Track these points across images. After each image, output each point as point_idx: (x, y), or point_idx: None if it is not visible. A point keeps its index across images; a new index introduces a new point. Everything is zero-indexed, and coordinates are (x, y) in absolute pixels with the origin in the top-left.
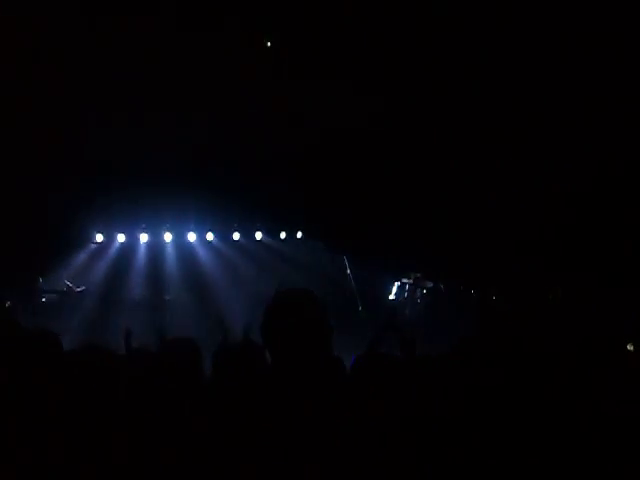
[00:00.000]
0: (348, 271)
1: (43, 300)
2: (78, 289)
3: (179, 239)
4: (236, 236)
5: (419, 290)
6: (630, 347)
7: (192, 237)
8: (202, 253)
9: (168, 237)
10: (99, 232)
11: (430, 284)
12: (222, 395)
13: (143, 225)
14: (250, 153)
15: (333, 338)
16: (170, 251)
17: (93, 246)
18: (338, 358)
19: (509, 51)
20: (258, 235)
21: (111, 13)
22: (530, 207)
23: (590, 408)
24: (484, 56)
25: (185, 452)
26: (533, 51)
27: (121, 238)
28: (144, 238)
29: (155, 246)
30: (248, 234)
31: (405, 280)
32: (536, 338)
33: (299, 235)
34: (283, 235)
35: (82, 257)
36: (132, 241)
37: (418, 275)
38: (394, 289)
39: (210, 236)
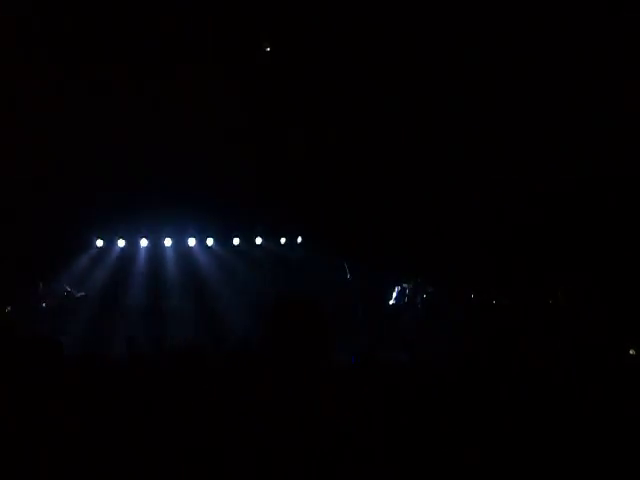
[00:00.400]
0: (348, 276)
1: (43, 305)
2: (78, 294)
3: (179, 244)
4: (236, 241)
5: (419, 294)
6: (632, 352)
7: (192, 242)
8: (202, 258)
9: (168, 242)
10: (99, 237)
11: (430, 288)
12: (223, 397)
13: (143, 230)
14: (250, 157)
15: (334, 341)
16: (170, 256)
17: (93, 251)
18: (338, 360)
19: (493, 51)
20: (258, 240)
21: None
22: (530, 208)
23: (591, 410)
24: (470, 56)
25: (188, 454)
26: (516, 50)
27: (121, 243)
28: (144, 243)
29: (155, 251)
30: (248, 239)
31: (405, 284)
32: (537, 341)
33: (299, 240)
34: (283, 240)
35: (82, 262)
36: (132, 246)
37: (418, 279)
38: (394, 293)
39: (210, 241)
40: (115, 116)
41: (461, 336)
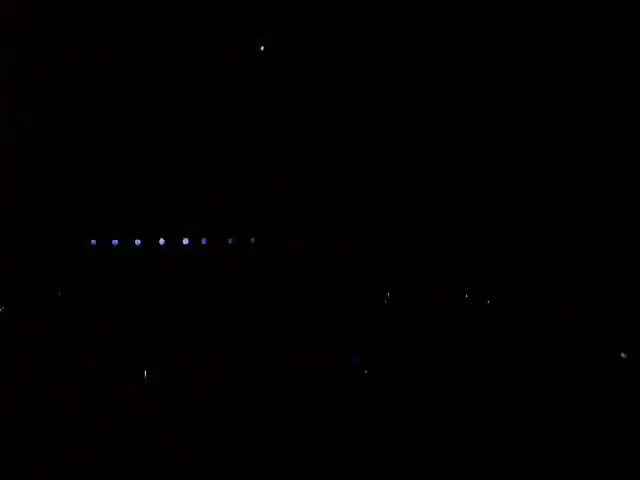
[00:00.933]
0: (344, 271)
1: (36, 304)
2: (72, 294)
3: (172, 244)
4: (229, 241)
5: (414, 291)
6: (624, 355)
7: (185, 242)
8: (196, 258)
9: (161, 242)
10: (92, 238)
11: (424, 286)
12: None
13: (137, 230)
14: (245, 154)
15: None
16: (163, 256)
17: (87, 251)
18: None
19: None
20: (252, 240)
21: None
22: (526, 206)
23: (583, 408)
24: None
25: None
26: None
27: (115, 243)
28: (138, 243)
29: (149, 251)
30: (242, 239)
31: (400, 281)
32: (530, 339)
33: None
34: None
35: (75, 263)
36: (127, 246)
37: (414, 277)
38: (387, 290)
39: (204, 241)
40: (109, 111)
41: (455, 335)
